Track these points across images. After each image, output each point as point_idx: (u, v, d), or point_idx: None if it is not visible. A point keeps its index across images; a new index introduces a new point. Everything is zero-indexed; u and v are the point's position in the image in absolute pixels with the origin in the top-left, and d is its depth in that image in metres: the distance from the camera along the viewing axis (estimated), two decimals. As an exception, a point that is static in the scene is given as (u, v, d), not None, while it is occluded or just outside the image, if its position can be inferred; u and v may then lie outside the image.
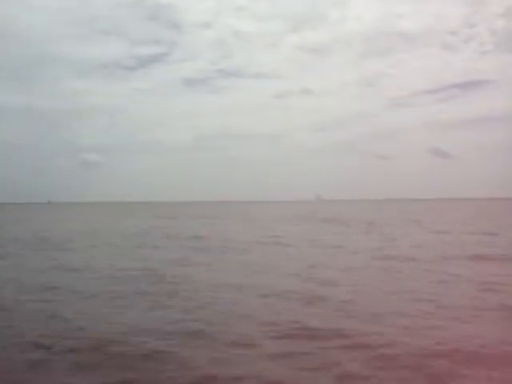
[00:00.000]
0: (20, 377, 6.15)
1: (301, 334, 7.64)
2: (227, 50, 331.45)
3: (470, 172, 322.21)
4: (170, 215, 66.01)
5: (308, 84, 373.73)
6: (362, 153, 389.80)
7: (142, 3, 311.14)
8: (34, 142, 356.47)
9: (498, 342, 7.08)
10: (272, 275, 13.68)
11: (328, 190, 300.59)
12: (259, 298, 10.52)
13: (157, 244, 23.28)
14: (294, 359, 6.56)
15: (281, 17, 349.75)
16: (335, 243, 22.46)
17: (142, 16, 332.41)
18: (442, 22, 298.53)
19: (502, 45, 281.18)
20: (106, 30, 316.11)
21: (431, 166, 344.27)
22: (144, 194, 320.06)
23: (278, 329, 7.95)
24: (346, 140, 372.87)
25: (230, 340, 7.39)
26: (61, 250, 21.27)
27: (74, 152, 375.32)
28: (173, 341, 7.40)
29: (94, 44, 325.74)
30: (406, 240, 23.93)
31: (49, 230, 36.23)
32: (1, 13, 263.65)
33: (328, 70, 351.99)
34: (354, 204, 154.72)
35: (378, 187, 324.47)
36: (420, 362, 6.33)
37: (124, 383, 5.91)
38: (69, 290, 11.58)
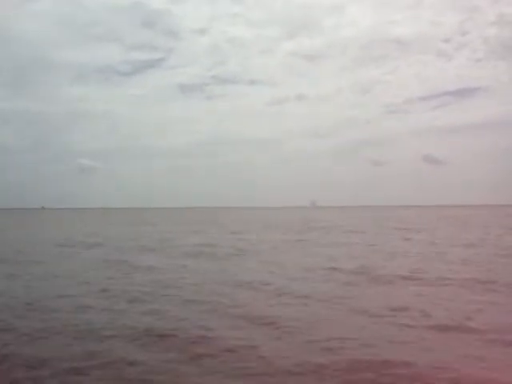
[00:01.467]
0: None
1: None
2: (222, 56, 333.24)
3: (463, 178, 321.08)
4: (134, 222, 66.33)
5: (303, 90, 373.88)
6: (357, 159, 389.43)
7: (137, 9, 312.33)
8: (28, 147, 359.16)
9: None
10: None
11: (323, 197, 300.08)
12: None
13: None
14: None
15: (276, 23, 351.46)
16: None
17: (137, 22, 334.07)
18: (436, 29, 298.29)
19: (495, 52, 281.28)
20: (101, 35, 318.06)
21: (425, 172, 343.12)
22: (139, 200, 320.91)
23: None
24: (341, 146, 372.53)
25: None
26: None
27: (68, 157, 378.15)
28: None
29: (90, 49, 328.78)
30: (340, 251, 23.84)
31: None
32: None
33: (323, 76, 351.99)
34: (343, 210, 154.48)
35: (372, 193, 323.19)
36: None
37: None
38: None
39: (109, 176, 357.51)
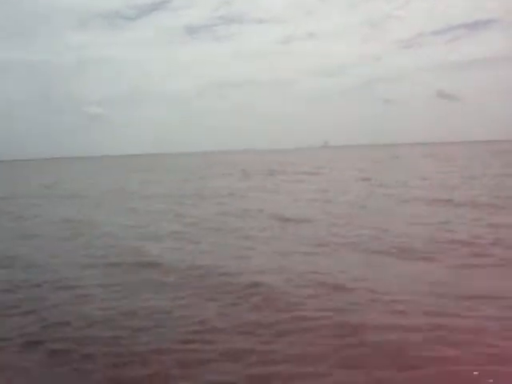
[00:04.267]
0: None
1: None
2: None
3: (475, 114, 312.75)
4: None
5: (312, 28, 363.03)
6: (369, 97, 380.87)
7: None
8: (34, 98, 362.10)
9: None
10: None
11: (336, 136, 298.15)
12: None
13: None
14: None
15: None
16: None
17: None
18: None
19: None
20: None
21: (439, 108, 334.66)
22: (149, 146, 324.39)
23: None
24: (353, 84, 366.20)
25: None
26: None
27: (75, 106, 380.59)
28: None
29: None
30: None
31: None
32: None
33: (332, 13, 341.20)
34: (349, 150, 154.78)
35: (384, 131, 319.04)
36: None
37: None
38: None
39: (117, 123, 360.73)
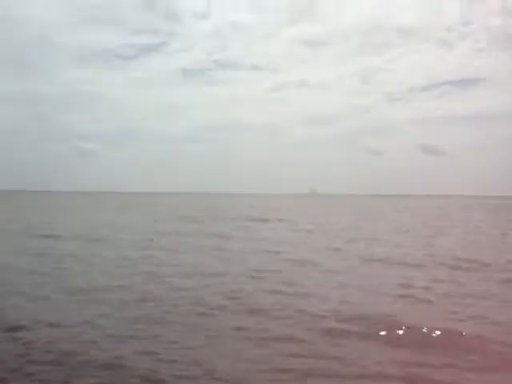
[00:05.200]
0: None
1: None
2: (224, 40, 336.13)
3: (461, 169, 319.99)
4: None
5: (304, 77, 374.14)
6: (357, 147, 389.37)
7: None
8: (28, 129, 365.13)
9: None
10: None
11: (323, 184, 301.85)
12: None
13: None
14: None
15: (278, 9, 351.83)
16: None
17: (139, 5, 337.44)
18: (438, 18, 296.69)
19: (497, 43, 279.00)
20: (103, 18, 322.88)
21: (424, 162, 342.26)
22: (139, 184, 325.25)
23: None
24: (342, 134, 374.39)
25: None
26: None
27: (68, 140, 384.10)
28: None
29: (91, 32, 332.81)
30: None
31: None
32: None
33: (324, 63, 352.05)
34: (331, 199, 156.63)
35: (372, 182, 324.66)
36: None
37: None
38: None
39: (108, 159, 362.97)
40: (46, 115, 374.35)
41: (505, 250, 19.55)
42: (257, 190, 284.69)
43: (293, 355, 6.90)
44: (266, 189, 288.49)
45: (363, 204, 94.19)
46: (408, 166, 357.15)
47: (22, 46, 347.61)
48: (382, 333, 7.98)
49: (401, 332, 8.02)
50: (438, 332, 7.91)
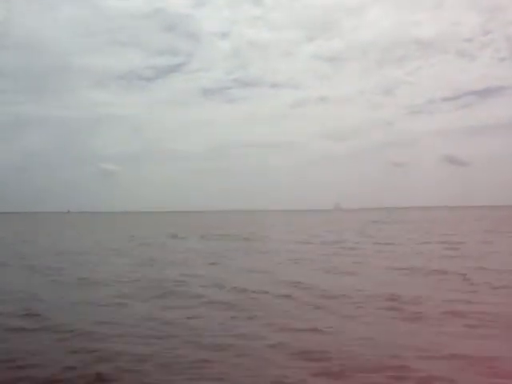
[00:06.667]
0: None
1: None
2: (243, 59, 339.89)
3: (486, 180, 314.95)
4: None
5: (325, 92, 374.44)
6: (380, 161, 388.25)
7: (158, 14, 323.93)
8: (52, 152, 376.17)
9: None
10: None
11: (347, 199, 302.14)
12: None
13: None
14: None
15: (296, 26, 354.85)
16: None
17: (158, 26, 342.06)
18: (458, 28, 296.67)
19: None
20: (122, 40, 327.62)
21: (448, 173, 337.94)
22: (162, 204, 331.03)
23: None
24: (364, 148, 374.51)
25: None
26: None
27: (92, 162, 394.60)
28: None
29: (112, 55, 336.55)
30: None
31: None
32: (20, 25, 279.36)
33: (344, 78, 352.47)
34: (355, 213, 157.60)
35: (396, 195, 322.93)
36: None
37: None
38: None
39: (131, 180, 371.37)
40: (71, 138, 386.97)
41: None
42: (282, 206, 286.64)
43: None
44: (291, 205, 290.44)
45: (412, 218, 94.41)
46: (431, 177, 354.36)
47: (45, 71, 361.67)
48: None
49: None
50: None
